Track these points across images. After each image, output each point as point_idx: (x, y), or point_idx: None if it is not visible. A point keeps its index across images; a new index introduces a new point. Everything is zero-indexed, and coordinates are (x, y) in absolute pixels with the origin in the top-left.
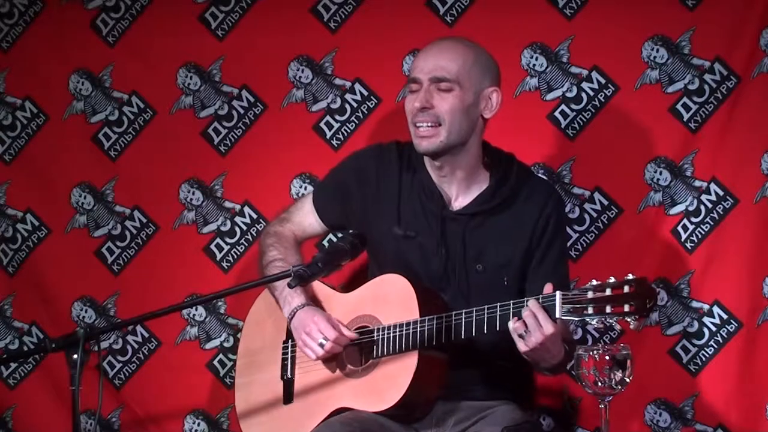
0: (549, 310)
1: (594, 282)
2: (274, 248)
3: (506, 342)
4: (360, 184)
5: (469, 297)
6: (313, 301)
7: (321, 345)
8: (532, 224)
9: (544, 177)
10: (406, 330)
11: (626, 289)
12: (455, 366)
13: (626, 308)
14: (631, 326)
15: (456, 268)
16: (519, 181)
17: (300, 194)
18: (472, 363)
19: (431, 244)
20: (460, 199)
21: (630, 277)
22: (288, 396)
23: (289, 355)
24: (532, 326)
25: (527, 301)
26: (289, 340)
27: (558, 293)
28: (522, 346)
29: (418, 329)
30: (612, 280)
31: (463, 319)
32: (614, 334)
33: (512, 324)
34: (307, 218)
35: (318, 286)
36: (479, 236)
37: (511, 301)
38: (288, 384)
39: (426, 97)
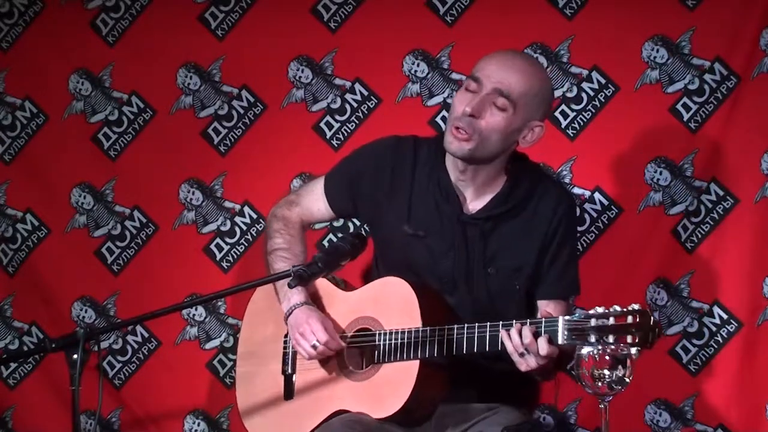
0: (551, 335)
1: (598, 309)
2: (279, 235)
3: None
4: (373, 177)
5: (479, 301)
6: (314, 298)
7: (314, 347)
8: (544, 228)
9: (555, 178)
10: (407, 339)
11: (630, 319)
12: (455, 368)
13: (629, 339)
14: (634, 356)
15: (467, 271)
16: (532, 185)
17: None
18: (472, 364)
19: (442, 245)
20: (474, 201)
21: (635, 307)
22: (289, 392)
23: (290, 350)
24: (532, 350)
25: (528, 323)
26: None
27: (561, 318)
28: (522, 366)
29: (420, 340)
30: (616, 308)
31: (465, 334)
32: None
33: (509, 345)
34: (316, 203)
35: (321, 282)
36: (492, 240)
37: (514, 321)
38: (288, 379)
39: (479, 106)
